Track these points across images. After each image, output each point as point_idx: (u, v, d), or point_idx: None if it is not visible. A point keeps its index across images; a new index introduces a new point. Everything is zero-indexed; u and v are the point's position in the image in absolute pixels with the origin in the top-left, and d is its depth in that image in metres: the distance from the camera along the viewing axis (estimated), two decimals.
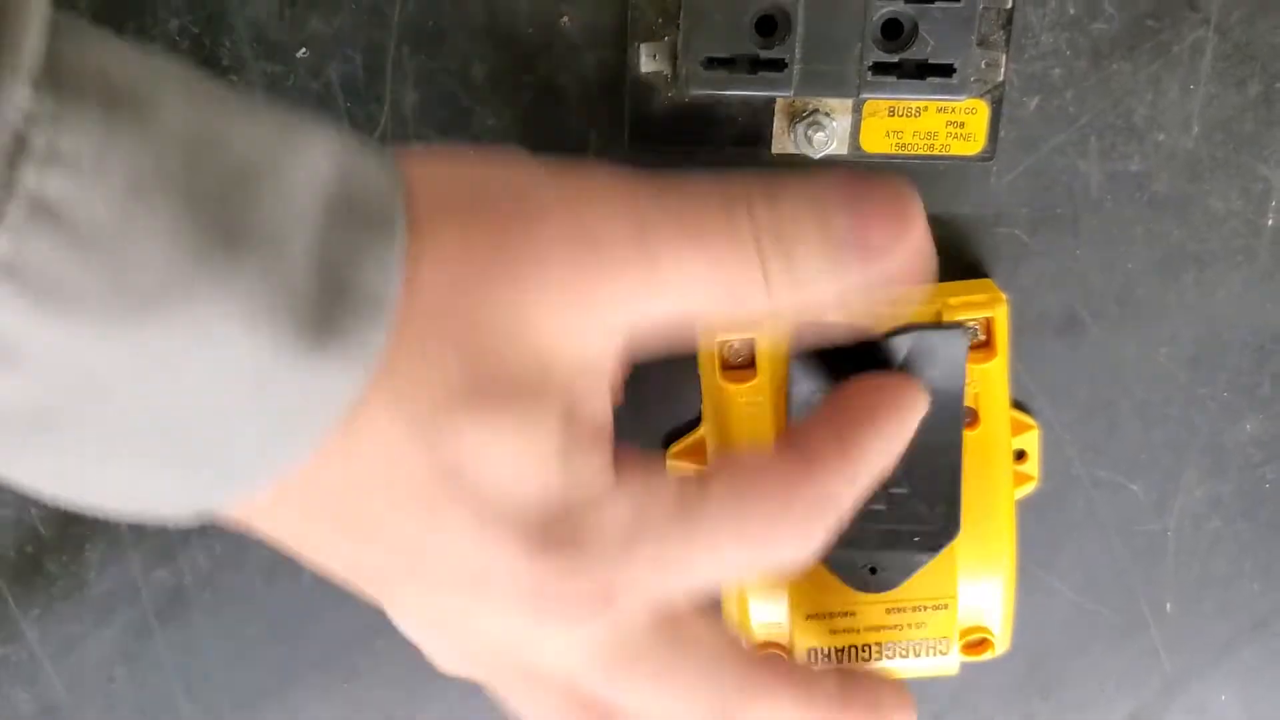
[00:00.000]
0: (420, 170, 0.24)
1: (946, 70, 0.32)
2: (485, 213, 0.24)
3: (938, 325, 0.32)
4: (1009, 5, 0.32)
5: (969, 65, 0.32)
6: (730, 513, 0.25)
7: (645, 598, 0.25)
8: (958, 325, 0.32)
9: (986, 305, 0.35)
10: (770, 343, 0.34)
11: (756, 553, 0.26)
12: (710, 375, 0.35)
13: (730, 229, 0.24)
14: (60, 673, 0.39)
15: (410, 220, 0.23)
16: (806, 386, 0.33)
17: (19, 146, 0.19)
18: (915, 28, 0.31)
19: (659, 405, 0.37)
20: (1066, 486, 0.38)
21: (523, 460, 0.24)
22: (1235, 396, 0.37)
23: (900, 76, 0.32)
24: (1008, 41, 0.33)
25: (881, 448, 0.27)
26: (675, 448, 0.37)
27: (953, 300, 0.34)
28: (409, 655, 0.41)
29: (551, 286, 0.23)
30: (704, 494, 0.25)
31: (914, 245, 0.24)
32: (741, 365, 0.35)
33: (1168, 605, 0.40)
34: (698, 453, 0.37)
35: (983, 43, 0.33)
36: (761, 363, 0.35)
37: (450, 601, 0.26)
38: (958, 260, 0.36)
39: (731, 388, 0.35)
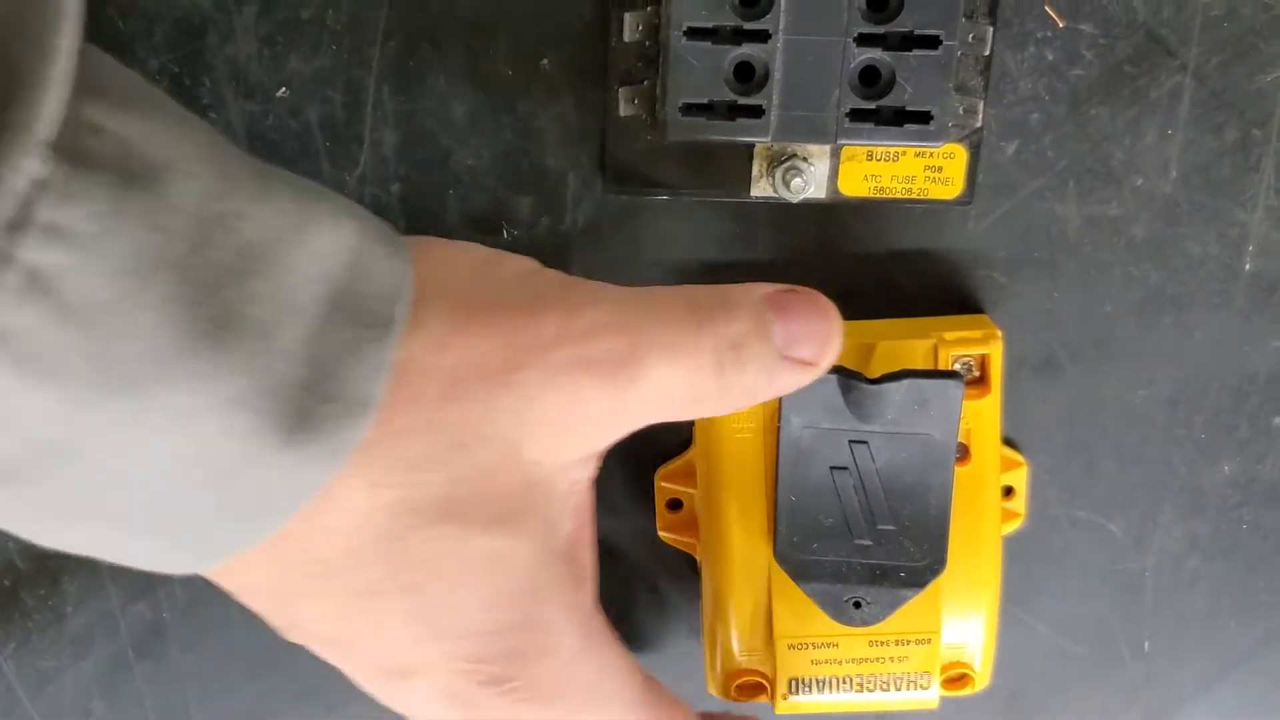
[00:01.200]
0: (431, 266, 0.24)
1: (924, 117, 0.32)
2: (491, 322, 0.24)
3: (935, 373, 0.33)
4: (986, 52, 0.32)
5: (946, 112, 0.32)
6: None
7: None
8: (954, 374, 0.32)
9: (982, 342, 0.35)
10: None
11: None
12: None
13: (698, 346, 0.25)
14: (38, 706, 0.39)
15: (416, 317, 0.23)
16: (797, 422, 0.33)
17: (23, 217, 0.19)
18: (893, 75, 0.31)
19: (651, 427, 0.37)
20: (1045, 525, 0.38)
21: (485, 594, 0.24)
22: (1213, 438, 0.38)
23: (877, 123, 0.32)
24: (986, 87, 0.33)
25: None
26: (664, 470, 0.37)
27: (948, 335, 0.35)
28: None
29: (547, 416, 0.24)
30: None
31: (835, 355, 0.27)
32: None
33: (1146, 643, 0.40)
34: (687, 476, 0.37)
35: (961, 89, 0.33)
36: None
37: (376, 686, 0.27)
38: (939, 301, 0.36)
39: (723, 415, 0.35)
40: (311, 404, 0.22)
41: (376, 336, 0.22)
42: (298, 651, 0.39)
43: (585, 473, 0.26)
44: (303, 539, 0.23)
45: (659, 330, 0.25)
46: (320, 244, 0.22)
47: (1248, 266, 0.36)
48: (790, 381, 0.27)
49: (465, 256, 0.26)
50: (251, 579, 0.25)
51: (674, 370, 0.25)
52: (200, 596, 0.39)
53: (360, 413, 0.22)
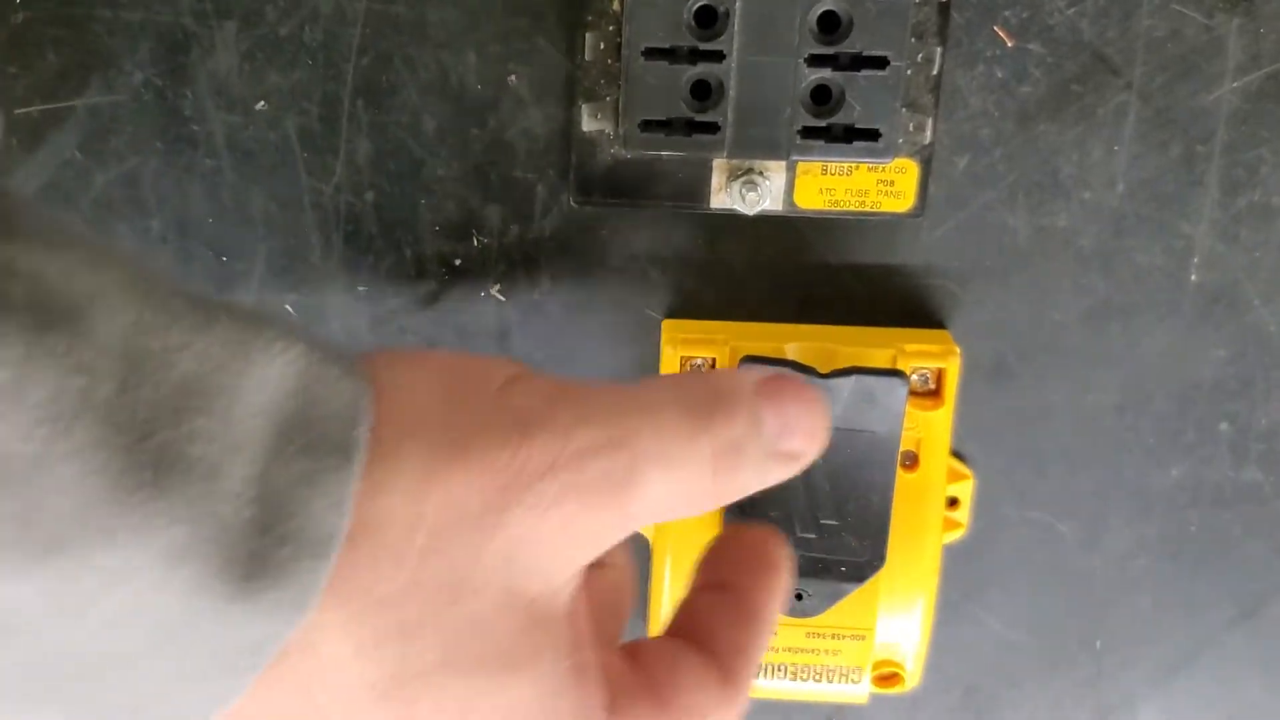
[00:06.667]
0: (396, 392, 0.23)
1: (873, 134, 0.33)
2: (471, 460, 0.22)
3: (880, 371, 0.34)
4: (935, 72, 0.34)
5: (895, 129, 0.33)
6: None
7: None
8: (899, 373, 0.34)
9: (939, 356, 0.36)
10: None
11: None
12: None
13: (696, 454, 0.24)
14: None
15: (377, 444, 0.21)
16: None
17: None
18: (843, 94, 0.33)
19: None
20: (998, 526, 0.40)
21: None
22: (1160, 443, 0.39)
23: (829, 140, 0.33)
24: (936, 105, 0.34)
25: (775, 612, 0.28)
26: None
27: (909, 347, 0.36)
28: None
29: (538, 553, 0.23)
30: None
31: (822, 448, 0.26)
32: None
33: (1096, 640, 0.41)
34: None
35: (911, 105, 0.34)
36: None
37: None
38: (894, 310, 0.37)
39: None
40: (266, 548, 0.20)
41: (334, 465, 0.21)
42: None
43: (581, 577, 0.24)
44: (290, 692, 0.22)
45: (655, 441, 0.24)
46: (267, 372, 0.20)
47: (1193, 277, 0.37)
48: (779, 475, 0.26)
49: (433, 376, 0.23)
50: None
51: (672, 481, 0.24)
52: None
53: (322, 552, 0.20)
